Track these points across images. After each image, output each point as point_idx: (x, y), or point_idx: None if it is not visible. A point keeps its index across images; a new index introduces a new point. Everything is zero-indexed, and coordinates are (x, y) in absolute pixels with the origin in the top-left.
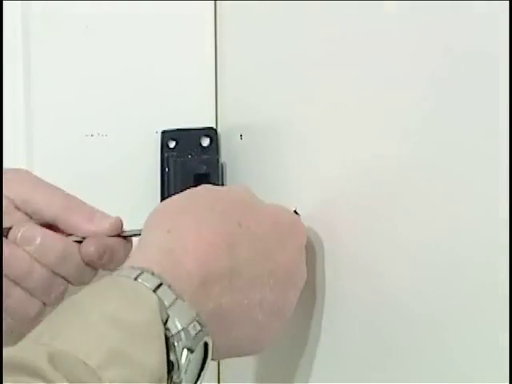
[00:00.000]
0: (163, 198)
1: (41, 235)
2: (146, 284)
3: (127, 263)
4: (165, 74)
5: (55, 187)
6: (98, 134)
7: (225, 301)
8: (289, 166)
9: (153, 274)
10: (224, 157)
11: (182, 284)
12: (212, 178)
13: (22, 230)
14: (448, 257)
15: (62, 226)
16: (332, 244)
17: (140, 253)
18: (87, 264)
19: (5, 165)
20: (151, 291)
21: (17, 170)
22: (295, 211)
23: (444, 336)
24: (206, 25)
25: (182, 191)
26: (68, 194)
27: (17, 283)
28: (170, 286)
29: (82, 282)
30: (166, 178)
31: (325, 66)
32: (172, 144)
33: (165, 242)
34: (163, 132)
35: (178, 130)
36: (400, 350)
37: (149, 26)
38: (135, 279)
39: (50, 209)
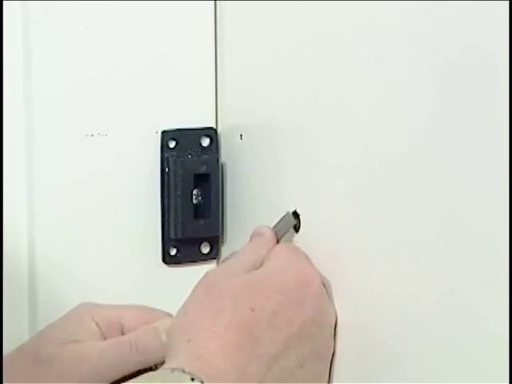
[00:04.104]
0: (163, 198)
1: None
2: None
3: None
4: (165, 74)
5: None
6: (98, 134)
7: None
8: (289, 166)
9: (183, 371)
10: (224, 157)
11: (215, 380)
12: (212, 177)
13: None
14: (448, 251)
15: None
16: (332, 244)
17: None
18: None
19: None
20: (189, 378)
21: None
22: (295, 212)
23: (443, 335)
24: (206, 25)
25: (182, 191)
26: None
27: None
28: (202, 382)
29: None
30: (165, 178)
31: (325, 66)
32: (172, 144)
33: (190, 351)
34: (163, 132)
35: (178, 129)
36: (399, 349)
37: (149, 26)
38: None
39: None
